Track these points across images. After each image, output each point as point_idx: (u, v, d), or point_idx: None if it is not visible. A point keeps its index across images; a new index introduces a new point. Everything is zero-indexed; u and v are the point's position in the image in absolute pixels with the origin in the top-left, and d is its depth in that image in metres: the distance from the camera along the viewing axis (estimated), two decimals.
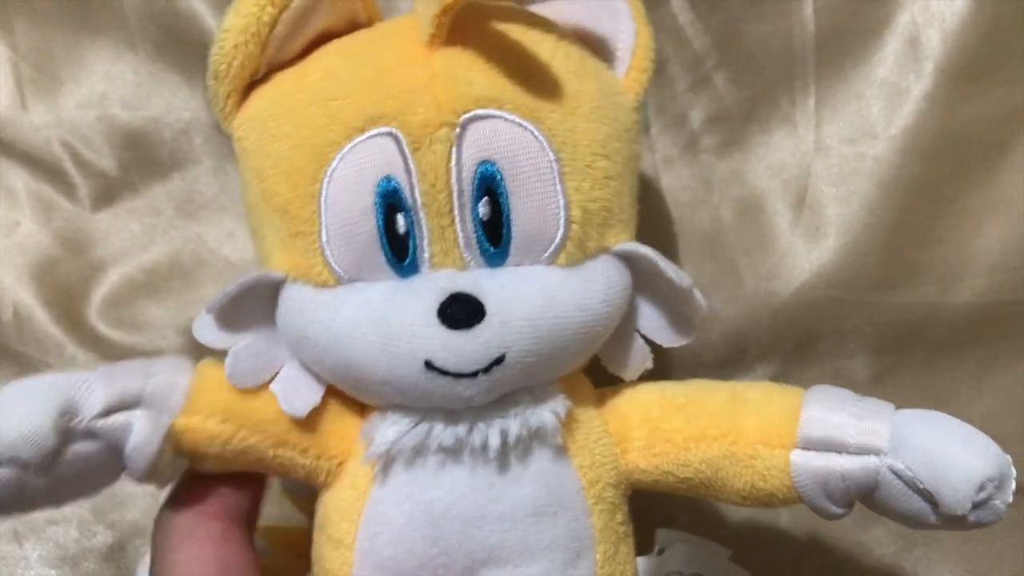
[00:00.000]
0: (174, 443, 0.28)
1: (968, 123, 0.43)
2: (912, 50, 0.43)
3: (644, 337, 0.31)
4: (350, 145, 0.28)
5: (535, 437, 0.29)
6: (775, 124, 0.44)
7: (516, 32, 0.29)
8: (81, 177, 0.45)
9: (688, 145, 0.45)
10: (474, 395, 0.27)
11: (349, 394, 0.30)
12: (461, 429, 0.28)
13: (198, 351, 0.43)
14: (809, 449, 0.29)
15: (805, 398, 0.30)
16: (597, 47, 0.32)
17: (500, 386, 0.28)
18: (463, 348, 0.27)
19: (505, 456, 0.29)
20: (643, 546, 0.34)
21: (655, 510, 0.34)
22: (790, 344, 0.44)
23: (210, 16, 0.43)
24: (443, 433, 0.28)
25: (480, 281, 0.28)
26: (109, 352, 0.44)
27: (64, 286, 0.45)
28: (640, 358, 0.31)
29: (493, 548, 0.29)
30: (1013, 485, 0.28)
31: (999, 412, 0.44)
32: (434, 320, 0.27)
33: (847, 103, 0.44)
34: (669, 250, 0.45)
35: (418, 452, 0.29)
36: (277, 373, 0.30)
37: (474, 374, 0.27)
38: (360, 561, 0.29)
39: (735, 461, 0.30)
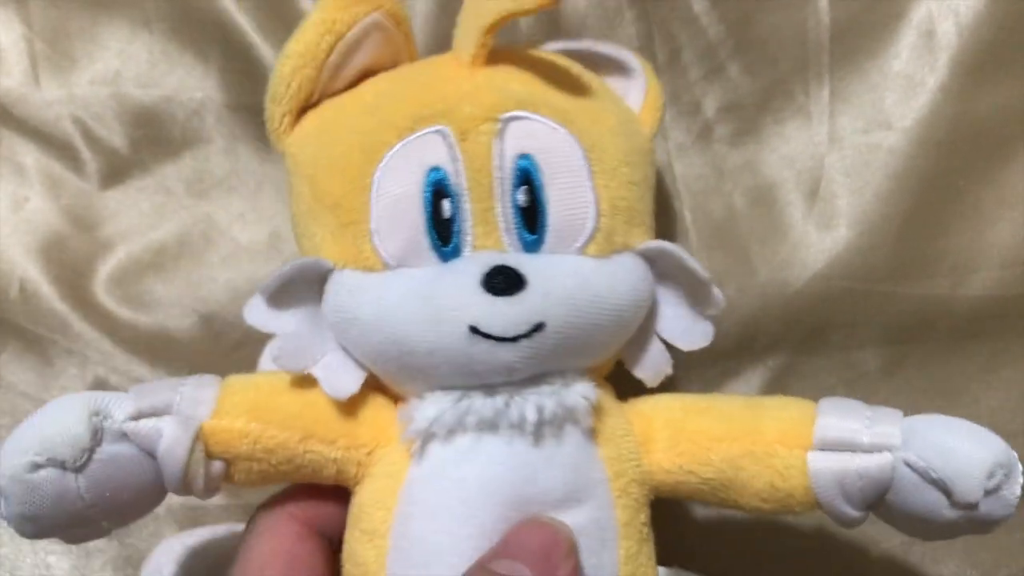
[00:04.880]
0: (206, 446, 0.29)
1: (982, 116, 0.43)
2: (927, 43, 0.44)
3: (664, 343, 0.33)
4: (401, 143, 0.30)
5: (568, 417, 0.30)
6: (789, 114, 0.44)
7: (545, 58, 0.33)
8: (91, 154, 0.44)
9: (701, 133, 0.45)
10: (515, 360, 0.29)
11: (388, 381, 0.31)
12: (499, 401, 0.29)
13: (206, 332, 0.44)
14: (825, 450, 0.30)
15: (819, 406, 0.31)
16: (613, 85, 0.35)
17: (539, 356, 0.29)
18: (506, 313, 0.28)
19: (540, 434, 0.30)
20: None
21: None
22: (801, 334, 0.44)
23: None
24: (482, 406, 0.29)
25: (520, 259, 0.29)
26: (116, 329, 0.44)
27: (72, 263, 0.44)
28: (660, 362, 0.33)
29: None
30: (1021, 478, 0.29)
31: (1009, 405, 0.44)
32: (479, 288, 0.28)
33: (861, 95, 0.44)
34: (681, 239, 0.45)
35: (456, 428, 0.29)
36: (319, 362, 0.31)
37: (515, 339, 0.28)
38: (394, 548, 0.29)
39: (755, 460, 0.31)
